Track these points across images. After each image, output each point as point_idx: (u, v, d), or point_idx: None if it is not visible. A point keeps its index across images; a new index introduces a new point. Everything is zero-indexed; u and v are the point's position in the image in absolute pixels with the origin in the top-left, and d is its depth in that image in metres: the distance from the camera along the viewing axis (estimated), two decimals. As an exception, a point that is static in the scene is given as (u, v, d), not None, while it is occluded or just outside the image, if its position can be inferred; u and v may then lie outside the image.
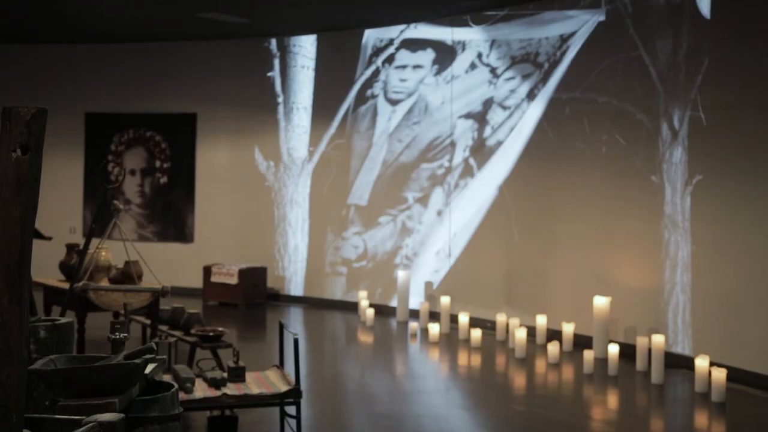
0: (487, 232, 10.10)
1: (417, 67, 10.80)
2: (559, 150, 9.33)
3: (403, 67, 10.95)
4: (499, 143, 9.96)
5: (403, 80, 10.93)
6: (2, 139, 2.58)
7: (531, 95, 9.63)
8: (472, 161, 10.23)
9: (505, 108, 9.90)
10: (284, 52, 11.96)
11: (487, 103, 10.08)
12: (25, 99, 11.74)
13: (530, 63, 9.66)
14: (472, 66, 10.20)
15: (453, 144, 10.39)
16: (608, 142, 8.81)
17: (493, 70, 10.02)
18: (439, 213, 10.47)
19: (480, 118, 10.15)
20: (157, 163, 12.64)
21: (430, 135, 10.65)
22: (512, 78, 9.85)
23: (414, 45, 10.85)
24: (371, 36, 11.24)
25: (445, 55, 10.52)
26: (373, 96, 11.22)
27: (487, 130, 10.07)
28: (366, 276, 11.23)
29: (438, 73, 10.58)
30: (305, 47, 11.81)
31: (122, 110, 12.72)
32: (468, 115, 10.26)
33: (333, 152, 11.59)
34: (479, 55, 10.15)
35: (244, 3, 9.99)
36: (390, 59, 11.05)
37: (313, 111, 11.80)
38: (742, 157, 7.56)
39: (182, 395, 4.74)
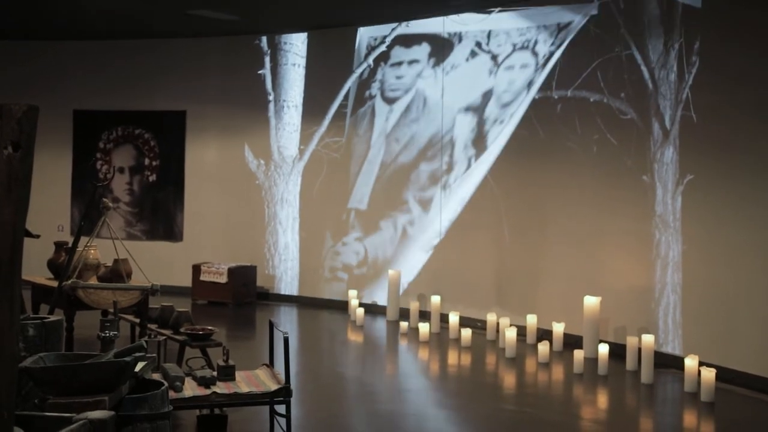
0: (478, 232, 10.09)
1: (413, 62, 10.75)
2: (550, 149, 9.33)
3: (399, 63, 10.89)
4: (489, 143, 9.95)
5: (399, 77, 10.87)
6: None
7: (522, 95, 9.62)
8: (463, 160, 10.22)
9: (494, 108, 9.89)
10: (275, 49, 11.92)
11: (480, 103, 10.06)
12: (12, 96, 11.64)
13: (520, 62, 9.65)
14: (471, 55, 10.13)
15: (451, 141, 10.34)
16: (599, 142, 8.81)
17: (487, 65, 10.00)
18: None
19: (474, 115, 10.13)
20: (146, 161, 12.58)
21: (427, 133, 10.58)
22: (502, 78, 9.84)
23: (409, 40, 10.80)
24: (364, 34, 11.21)
25: (441, 46, 10.47)
26: (371, 97, 11.16)
27: (477, 130, 10.06)
28: (367, 282, 11.11)
29: (436, 64, 10.51)
30: (296, 45, 11.77)
31: (111, 107, 12.65)
32: (465, 111, 10.20)
33: (324, 151, 11.56)
34: (472, 52, 10.13)
35: (235, 0, 9.95)
36: (384, 57, 11.00)
37: (303, 109, 11.76)
38: (734, 156, 7.57)
39: (172, 394, 4.72)
